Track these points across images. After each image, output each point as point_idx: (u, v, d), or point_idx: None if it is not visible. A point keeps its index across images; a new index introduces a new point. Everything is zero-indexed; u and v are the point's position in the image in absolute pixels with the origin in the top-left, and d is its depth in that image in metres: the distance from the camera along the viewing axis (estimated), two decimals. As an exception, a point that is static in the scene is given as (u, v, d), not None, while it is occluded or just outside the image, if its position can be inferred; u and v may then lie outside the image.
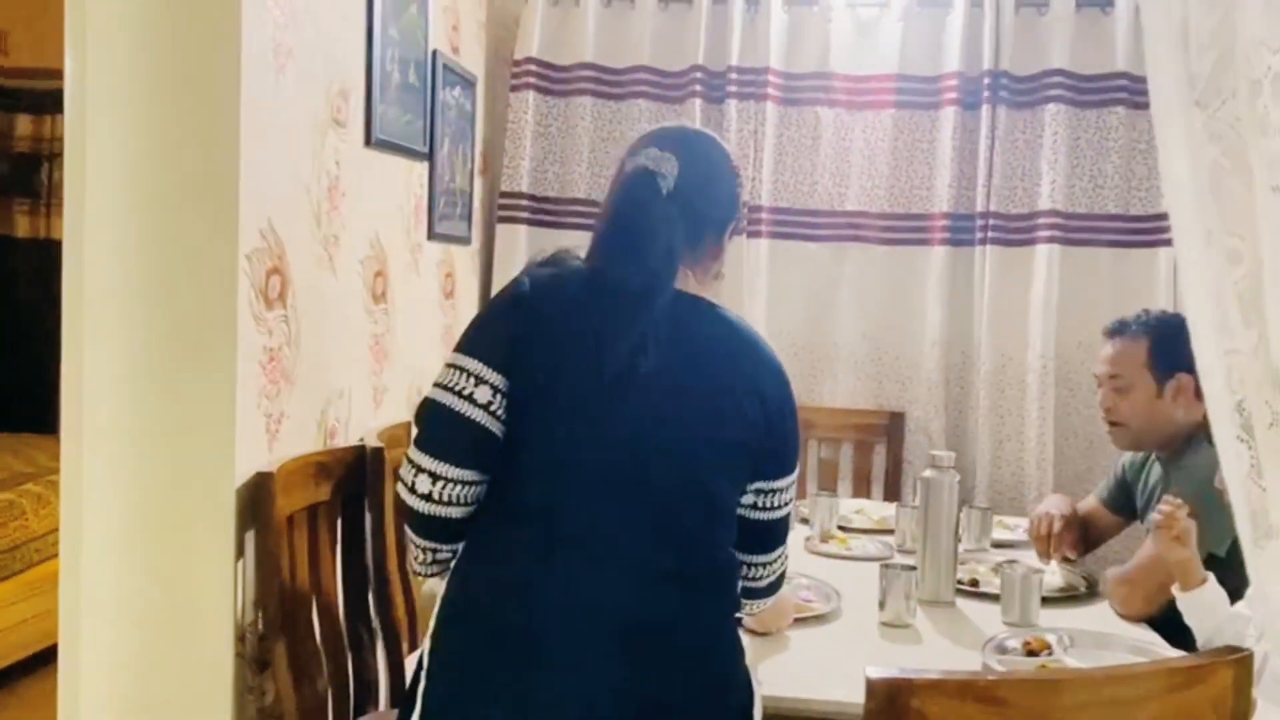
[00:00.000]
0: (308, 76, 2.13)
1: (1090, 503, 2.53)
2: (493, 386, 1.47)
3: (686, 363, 1.48)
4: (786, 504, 1.57)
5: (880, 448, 3.38)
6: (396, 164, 2.67)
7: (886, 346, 3.37)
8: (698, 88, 3.32)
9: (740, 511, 1.54)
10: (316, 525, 2.12)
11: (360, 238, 2.45)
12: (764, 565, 1.58)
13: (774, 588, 1.63)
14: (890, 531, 2.63)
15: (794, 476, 1.58)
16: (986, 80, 3.22)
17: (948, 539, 2.11)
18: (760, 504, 1.54)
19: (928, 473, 2.15)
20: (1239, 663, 1.08)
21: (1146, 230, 3.21)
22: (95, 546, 1.89)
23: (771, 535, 1.58)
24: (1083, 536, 2.45)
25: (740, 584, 1.58)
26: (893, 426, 3.36)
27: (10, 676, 3.29)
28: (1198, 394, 2.18)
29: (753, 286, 3.33)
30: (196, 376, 1.88)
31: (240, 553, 1.93)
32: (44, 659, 3.39)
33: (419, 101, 2.76)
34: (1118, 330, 2.29)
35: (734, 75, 3.31)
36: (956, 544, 2.15)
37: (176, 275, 1.88)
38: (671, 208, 1.49)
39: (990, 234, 3.24)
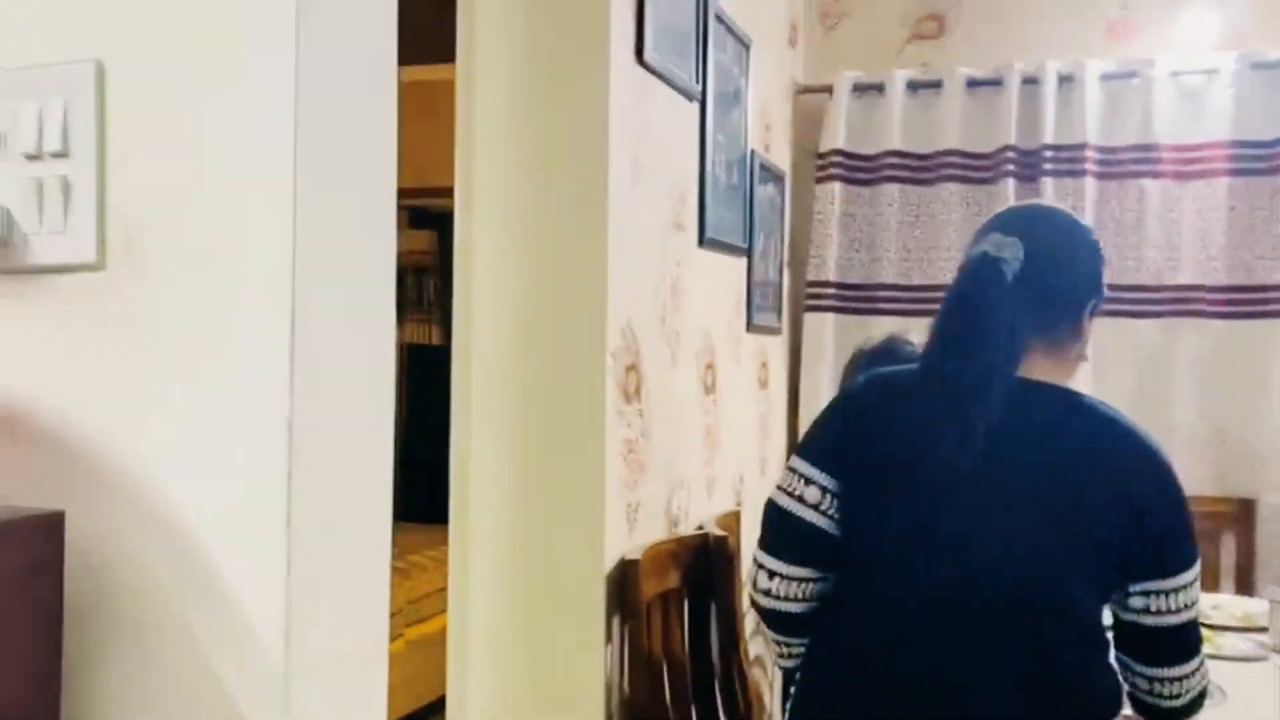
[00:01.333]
0: (655, 185, 2.26)
1: None
2: (821, 487, 1.50)
3: (1029, 456, 1.41)
4: (1186, 606, 1.43)
5: (1228, 538, 3.14)
6: (723, 261, 2.78)
7: (1230, 427, 3.15)
8: (1010, 167, 3.27)
9: (1130, 617, 1.44)
10: (669, 612, 2.19)
11: (694, 333, 2.55)
12: (1174, 681, 1.45)
13: (1192, 708, 1.48)
14: (1261, 629, 2.42)
15: (1193, 574, 1.44)
16: (1335, 140, 3.01)
17: (1349, 640, 1.93)
18: (1153, 607, 1.42)
19: (1323, 566, 1.98)
20: None
21: None
22: (479, 627, 2.03)
23: (1175, 643, 1.44)
24: None
25: (1145, 700, 1.47)
26: (1242, 515, 3.12)
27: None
28: None
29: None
30: (570, 469, 2.01)
31: (608, 638, 2.02)
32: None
33: (740, 199, 2.87)
34: None
35: (1048, 153, 3.25)
36: (1359, 645, 1.96)
37: (550, 375, 2.02)
38: (1017, 293, 1.43)
39: (1349, 303, 2.99)
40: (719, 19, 2.59)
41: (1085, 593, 1.42)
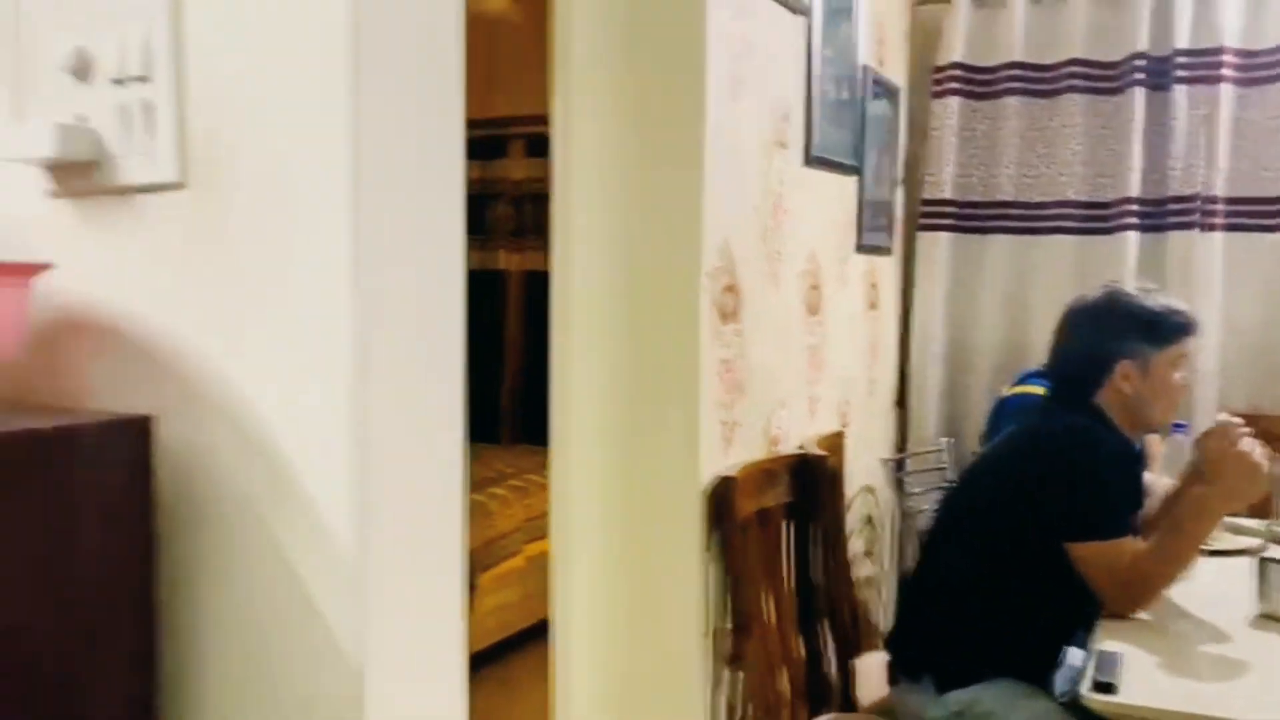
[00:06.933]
0: (757, 101, 2.23)
1: None
2: None
3: None
4: None
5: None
6: (830, 179, 2.73)
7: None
8: (1139, 75, 3.11)
9: None
10: (767, 529, 2.21)
11: (798, 252, 2.53)
12: None
13: None
14: None
15: None
16: None
17: None
18: None
19: None
20: None
21: None
22: (582, 543, 2.09)
23: None
24: None
25: None
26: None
27: (488, 659, 3.69)
28: None
29: (1207, 283, 3.07)
30: (665, 389, 2.03)
31: (707, 553, 2.05)
32: (510, 644, 3.79)
33: (851, 116, 2.80)
34: None
35: (1181, 59, 3.06)
36: None
37: (647, 296, 2.03)
38: None
39: None
40: (825, -72, 2.52)
41: None
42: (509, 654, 3.77)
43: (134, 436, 0.84)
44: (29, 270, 0.86)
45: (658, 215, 2.03)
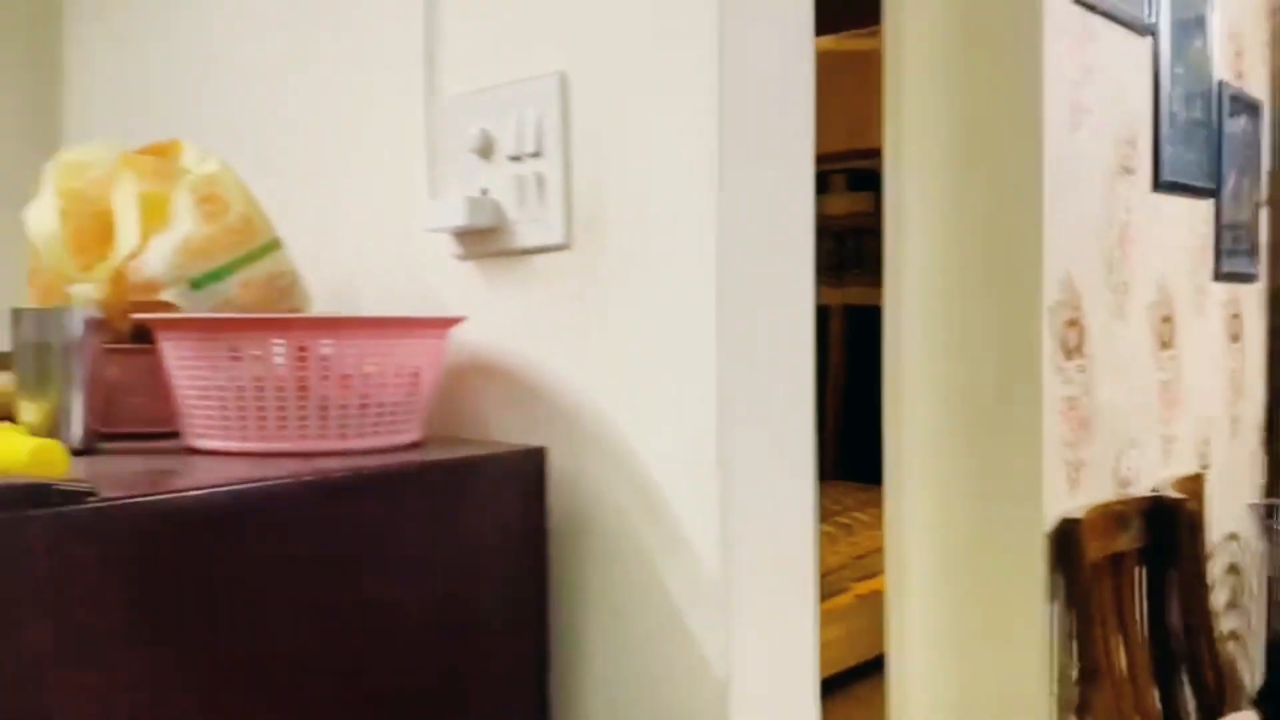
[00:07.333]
0: (1099, 128, 2.16)
1: None
2: None
3: None
4: None
5: None
6: (1182, 204, 2.57)
7: None
8: None
9: None
10: (1119, 575, 2.11)
11: (1147, 283, 2.40)
12: None
13: None
14: None
15: None
16: None
17: None
18: None
19: None
20: None
21: None
22: (917, 582, 2.08)
23: None
24: None
25: None
26: None
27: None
28: None
29: None
30: (1005, 426, 1.99)
31: (1051, 598, 1.98)
32: (837, 682, 3.78)
33: (1204, 136, 2.63)
34: None
35: None
36: None
37: (983, 331, 2.01)
38: None
39: None
40: (1172, -58, 2.40)
41: None
42: (835, 691, 3.76)
43: (532, 465, 0.96)
44: (448, 323, 1.01)
45: (994, 248, 2.00)
